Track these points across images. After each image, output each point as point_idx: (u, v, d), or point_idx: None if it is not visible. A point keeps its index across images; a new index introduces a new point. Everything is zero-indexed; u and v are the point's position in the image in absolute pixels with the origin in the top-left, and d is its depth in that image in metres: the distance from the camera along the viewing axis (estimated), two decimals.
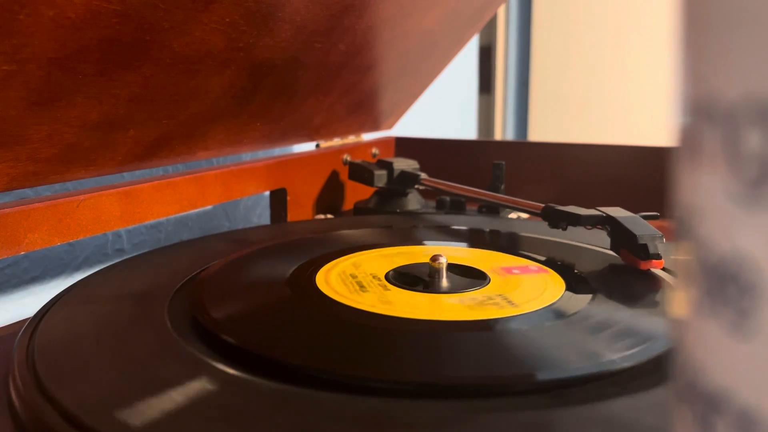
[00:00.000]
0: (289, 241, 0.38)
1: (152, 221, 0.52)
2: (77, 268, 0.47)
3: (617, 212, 0.35)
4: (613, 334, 0.24)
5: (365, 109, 0.58)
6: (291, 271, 0.31)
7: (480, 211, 0.49)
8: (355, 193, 0.59)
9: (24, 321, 0.31)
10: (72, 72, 0.30)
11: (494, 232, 0.41)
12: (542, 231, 0.40)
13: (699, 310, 0.09)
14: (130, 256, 0.36)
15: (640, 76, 1.22)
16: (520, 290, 0.29)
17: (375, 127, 0.63)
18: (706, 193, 0.08)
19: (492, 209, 0.49)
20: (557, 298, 0.28)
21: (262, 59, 0.40)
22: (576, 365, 0.21)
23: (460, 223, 0.44)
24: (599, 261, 0.34)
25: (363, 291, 0.29)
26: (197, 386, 0.20)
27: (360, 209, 0.52)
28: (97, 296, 0.29)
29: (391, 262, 0.33)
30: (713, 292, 0.08)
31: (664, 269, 0.32)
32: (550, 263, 0.33)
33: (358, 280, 0.30)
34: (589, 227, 0.36)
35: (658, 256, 0.31)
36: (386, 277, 0.31)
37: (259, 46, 0.38)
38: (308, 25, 0.40)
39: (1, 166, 0.31)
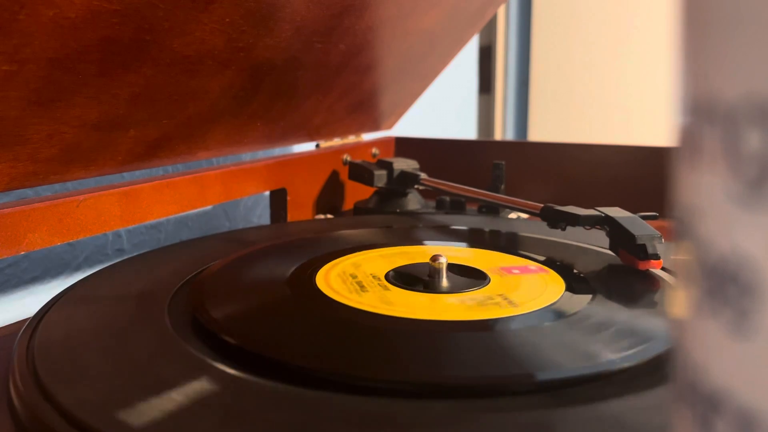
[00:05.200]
0: (289, 241, 0.38)
1: (152, 221, 0.52)
2: (77, 268, 0.47)
3: (616, 212, 0.35)
4: (613, 334, 0.24)
5: (365, 109, 0.58)
6: (291, 271, 0.31)
7: (480, 211, 0.49)
8: (355, 193, 0.59)
9: (24, 321, 0.31)
10: (72, 72, 0.30)
11: (494, 232, 0.41)
12: (542, 231, 0.40)
13: (699, 310, 0.09)
14: (131, 255, 0.36)
15: (640, 76, 1.22)
16: (520, 290, 0.29)
17: (375, 127, 0.63)
18: (706, 193, 0.08)
19: (492, 209, 0.49)
20: (557, 299, 0.28)
21: (262, 59, 0.40)
22: (575, 365, 0.21)
23: (460, 223, 0.44)
24: (598, 261, 0.34)
25: (363, 291, 0.29)
26: (197, 386, 0.20)
27: (360, 209, 0.52)
28: (97, 296, 0.29)
29: (391, 262, 0.33)
30: (713, 292, 0.08)
31: (662, 269, 0.32)
32: (549, 263, 0.33)
33: (357, 280, 0.30)
34: (588, 227, 0.36)
35: (656, 257, 0.31)
36: (386, 277, 0.31)
37: (259, 46, 0.38)
38: (308, 25, 0.40)
39: (1, 166, 0.31)
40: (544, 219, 0.38)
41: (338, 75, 0.49)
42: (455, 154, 0.63)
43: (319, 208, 0.55)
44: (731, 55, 0.08)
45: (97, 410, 0.19)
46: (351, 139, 0.62)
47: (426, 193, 0.52)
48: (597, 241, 0.37)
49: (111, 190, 0.37)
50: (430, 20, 0.51)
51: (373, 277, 0.31)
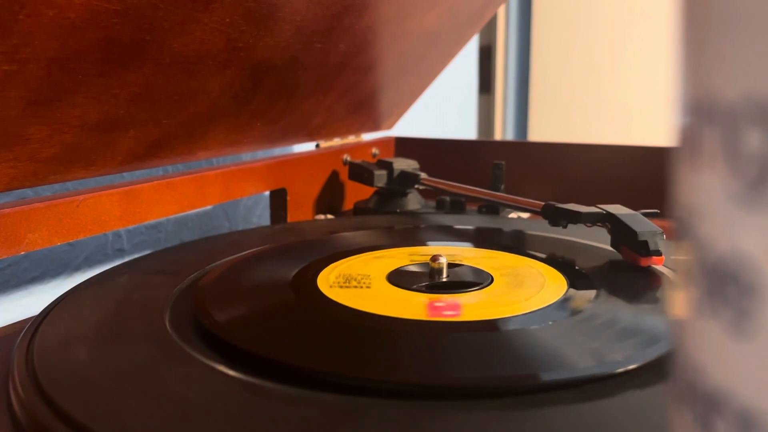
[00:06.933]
0: (291, 243, 0.38)
1: (152, 221, 0.52)
2: (77, 268, 0.47)
3: (617, 209, 0.35)
4: (616, 333, 0.24)
5: (365, 109, 0.58)
6: (293, 273, 0.31)
7: (480, 211, 0.49)
8: (355, 193, 0.59)
9: (24, 321, 0.31)
10: (72, 72, 0.30)
11: (495, 232, 0.41)
12: (543, 229, 0.40)
13: (699, 310, 0.09)
14: (131, 257, 0.36)
15: (640, 76, 1.22)
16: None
17: (375, 127, 0.63)
18: (706, 193, 0.08)
19: (492, 209, 0.49)
20: (559, 296, 0.28)
21: (262, 59, 0.40)
22: (577, 365, 0.21)
23: (460, 223, 0.44)
24: (600, 258, 0.34)
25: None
26: (198, 389, 0.20)
27: (360, 209, 0.52)
28: (98, 299, 0.29)
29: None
30: (713, 292, 0.08)
31: (664, 266, 0.32)
32: (551, 261, 0.33)
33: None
34: (590, 225, 0.36)
35: (658, 253, 0.31)
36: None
37: (259, 46, 0.38)
38: (308, 25, 0.40)
39: (1, 166, 0.31)
40: (545, 217, 0.38)
41: (338, 75, 0.49)
42: (455, 154, 0.63)
43: (319, 208, 0.55)
44: (731, 54, 0.08)
45: (95, 413, 0.19)
46: (351, 139, 0.62)
47: (426, 193, 0.52)
48: (598, 239, 0.37)
49: (111, 190, 0.37)
50: (430, 20, 0.51)
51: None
